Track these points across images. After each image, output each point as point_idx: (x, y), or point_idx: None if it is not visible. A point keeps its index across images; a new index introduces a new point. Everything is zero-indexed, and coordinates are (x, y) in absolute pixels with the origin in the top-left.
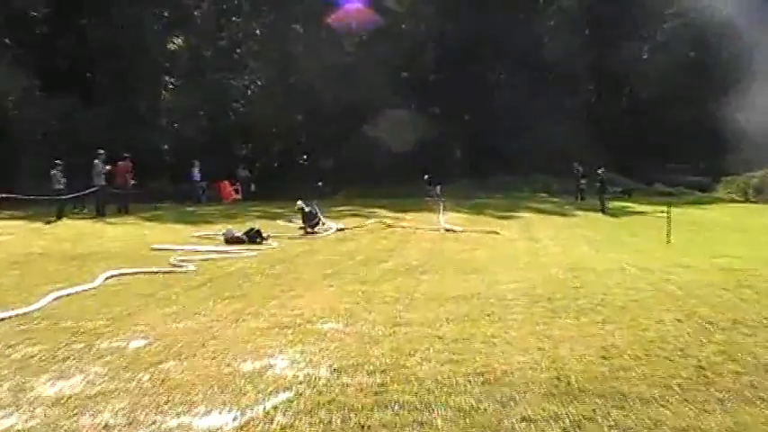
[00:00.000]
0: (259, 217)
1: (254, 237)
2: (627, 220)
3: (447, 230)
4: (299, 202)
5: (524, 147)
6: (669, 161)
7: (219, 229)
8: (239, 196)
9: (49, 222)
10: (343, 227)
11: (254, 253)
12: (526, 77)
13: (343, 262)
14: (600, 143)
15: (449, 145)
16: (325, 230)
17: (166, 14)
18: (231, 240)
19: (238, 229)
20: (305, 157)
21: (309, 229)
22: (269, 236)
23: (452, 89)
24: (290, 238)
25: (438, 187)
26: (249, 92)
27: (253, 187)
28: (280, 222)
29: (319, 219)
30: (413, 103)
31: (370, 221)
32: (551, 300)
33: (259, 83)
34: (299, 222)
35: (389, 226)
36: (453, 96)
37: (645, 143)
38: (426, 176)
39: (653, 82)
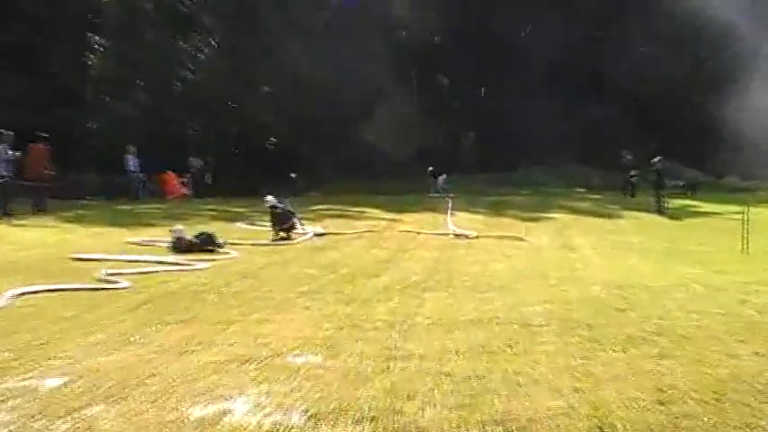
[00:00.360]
0: (214, 218)
1: (205, 243)
2: (691, 224)
3: (457, 236)
4: (269, 199)
5: (557, 130)
6: (741, 149)
7: (161, 233)
8: (188, 191)
9: None
10: (323, 231)
11: (207, 264)
12: (560, 33)
13: (324, 277)
14: (653, 127)
15: (460, 127)
16: (302, 236)
17: None
18: (182, 248)
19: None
20: (273, 140)
21: (283, 234)
22: (225, 242)
23: (464, 54)
24: (253, 245)
25: (441, 178)
26: (201, 56)
27: (208, 179)
28: (240, 225)
29: (294, 221)
30: (413, 70)
31: (358, 228)
32: (591, 326)
33: (214, 44)
34: (268, 225)
35: (384, 230)
36: (465, 63)
37: (713, 128)
38: (431, 169)
39: None
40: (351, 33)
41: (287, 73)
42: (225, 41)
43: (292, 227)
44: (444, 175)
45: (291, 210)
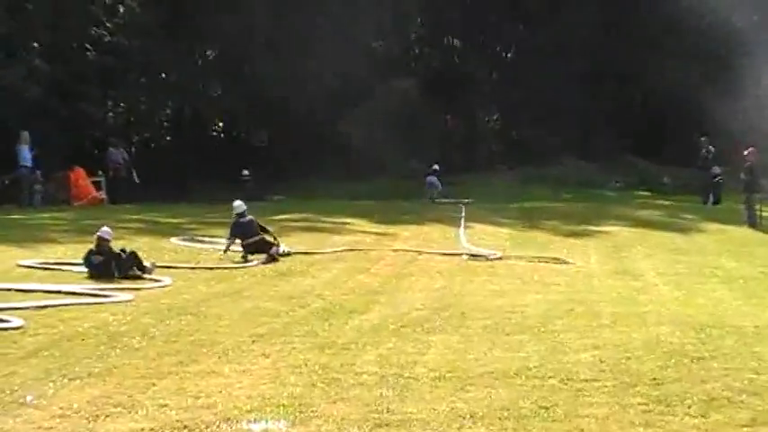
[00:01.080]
0: (139, 232)
1: (124, 265)
2: None
3: (474, 257)
4: (239, 204)
5: (612, 108)
6: None
7: (67, 252)
8: (104, 195)
9: None
10: (288, 250)
11: (130, 296)
12: None
13: (290, 313)
14: (742, 102)
15: (477, 106)
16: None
17: None
18: (102, 268)
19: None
20: (220, 124)
21: (252, 257)
22: (154, 265)
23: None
24: (192, 268)
25: (432, 176)
26: (120, 8)
27: (135, 177)
28: (176, 241)
29: (264, 237)
30: (411, 27)
31: (336, 246)
32: (659, 382)
33: None
34: (218, 242)
35: (373, 248)
36: (484, 13)
37: None
38: (435, 167)
39: None
40: None
41: (242, 32)
42: None
43: (263, 246)
44: (437, 169)
45: (263, 225)
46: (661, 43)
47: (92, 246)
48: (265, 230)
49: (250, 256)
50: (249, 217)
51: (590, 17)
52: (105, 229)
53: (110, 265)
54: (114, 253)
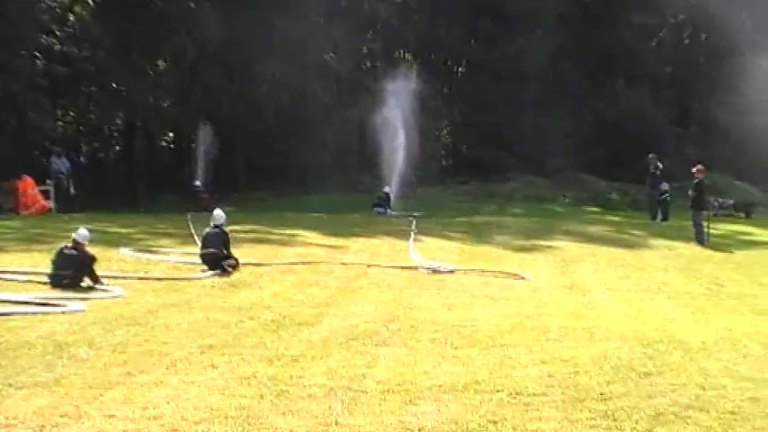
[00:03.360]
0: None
1: (79, 274)
2: (745, 258)
3: (425, 270)
4: (219, 215)
5: (562, 125)
6: None
7: (13, 260)
8: (51, 204)
9: None
10: (234, 262)
11: (82, 306)
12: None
13: (239, 324)
14: (692, 124)
15: (429, 120)
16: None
17: None
18: (60, 278)
19: (45, 264)
20: (169, 135)
21: (229, 269)
22: (98, 279)
23: (436, 17)
24: (140, 278)
25: (378, 206)
26: (71, 17)
27: (72, 188)
28: (124, 252)
29: (216, 252)
30: (364, 41)
31: (286, 258)
32: (606, 397)
33: (90, 1)
34: (170, 253)
35: (323, 261)
36: (437, 30)
37: None
38: (385, 188)
39: None
40: None
41: (194, 45)
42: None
43: (215, 259)
44: (388, 191)
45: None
46: (613, 65)
47: (65, 245)
48: (227, 247)
49: (202, 267)
50: (216, 229)
51: (543, 38)
52: (82, 231)
53: (78, 262)
54: (86, 254)
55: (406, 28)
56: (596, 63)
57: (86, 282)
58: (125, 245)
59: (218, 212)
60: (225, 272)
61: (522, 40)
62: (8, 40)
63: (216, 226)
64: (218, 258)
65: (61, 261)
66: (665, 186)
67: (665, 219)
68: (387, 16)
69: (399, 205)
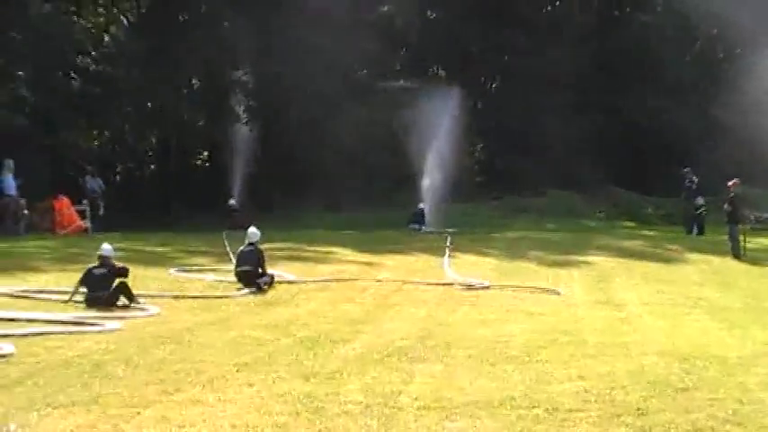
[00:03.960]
0: (123, 260)
1: (113, 296)
2: None
3: (460, 286)
4: (251, 232)
5: (597, 140)
6: None
7: (51, 280)
8: (87, 224)
9: None
10: (269, 279)
11: (118, 324)
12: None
13: (274, 342)
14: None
15: (462, 136)
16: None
17: None
18: (97, 298)
19: (71, 284)
20: (205, 154)
21: (264, 286)
22: (135, 298)
23: (468, 32)
24: (176, 297)
25: (413, 224)
26: (106, 37)
27: (101, 208)
28: (172, 272)
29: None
30: (395, 57)
31: (321, 275)
32: (643, 412)
33: (125, 21)
34: (207, 273)
35: (358, 277)
36: (470, 44)
37: None
38: (420, 206)
39: None
40: (318, 5)
41: (226, 63)
42: (141, 18)
43: (250, 276)
44: (424, 210)
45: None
46: (644, 76)
47: (93, 265)
48: (262, 265)
49: (265, 286)
50: (251, 247)
51: (574, 50)
52: (106, 246)
53: (111, 278)
54: (117, 267)
55: (437, 43)
56: (626, 73)
57: (122, 301)
58: (161, 264)
59: (252, 230)
60: (260, 289)
61: (552, 52)
62: (45, 59)
63: (251, 243)
64: (253, 276)
65: (92, 282)
66: (700, 201)
67: (700, 233)
68: (418, 31)
69: (434, 222)
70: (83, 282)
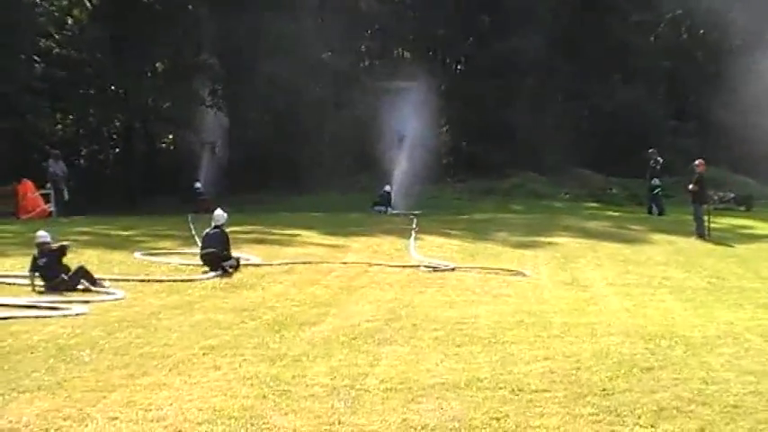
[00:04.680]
0: (88, 244)
1: (72, 280)
2: (746, 252)
3: (426, 268)
4: (217, 215)
5: (562, 121)
6: None
7: (16, 265)
8: (51, 208)
9: None
10: (236, 262)
11: (84, 309)
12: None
13: (240, 325)
14: (691, 119)
15: (429, 119)
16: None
17: None
18: (56, 285)
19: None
20: (169, 137)
21: (230, 270)
22: (98, 281)
23: (432, 13)
24: (142, 280)
25: (378, 206)
26: (69, 20)
27: (66, 193)
28: (137, 256)
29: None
30: (360, 38)
31: (287, 258)
32: (608, 392)
33: (88, 4)
34: (173, 256)
35: (324, 260)
36: (433, 26)
37: None
38: (386, 188)
39: None
40: None
41: (191, 46)
42: (104, 1)
43: (214, 259)
44: (387, 188)
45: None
46: (609, 60)
47: (34, 253)
48: (227, 247)
49: (204, 269)
50: (217, 230)
51: (539, 35)
52: (40, 233)
53: (53, 266)
54: (55, 249)
55: (402, 26)
56: (592, 58)
57: (84, 284)
58: (126, 248)
59: (218, 213)
60: (226, 273)
61: (518, 36)
62: (6, 43)
63: (216, 226)
64: (218, 258)
65: (43, 271)
66: (655, 182)
67: (660, 213)
68: (383, 14)
69: (399, 204)
70: (34, 270)
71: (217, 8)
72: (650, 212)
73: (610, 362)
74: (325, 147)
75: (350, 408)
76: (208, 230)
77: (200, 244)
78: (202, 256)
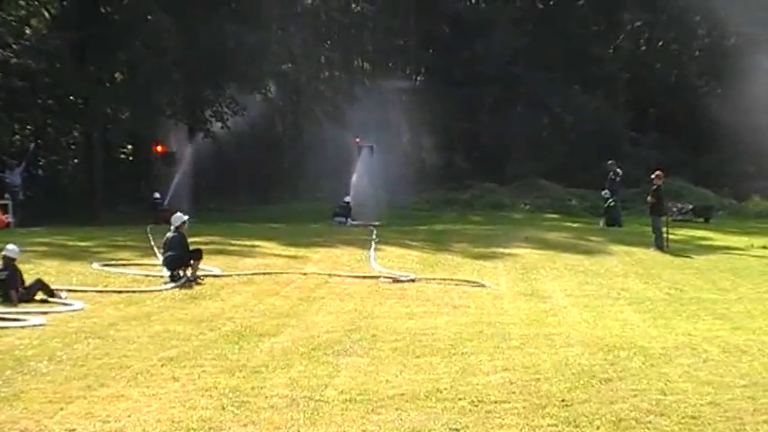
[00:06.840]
0: (46, 255)
1: (29, 292)
2: (704, 263)
3: (386, 279)
4: (175, 217)
5: (520, 136)
6: None
7: None
8: (10, 219)
9: None
10: (192, 275)
11: (42, 320)
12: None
13: (199, 336)
14: (652, 129)
15: (390, 129)
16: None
17: None
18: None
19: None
20: (128, 147)
21: (192, 279)
22: (56, 292)
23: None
24: (100, 291)
25: (338, 216)
26: (27, 30)
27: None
28: (95, 267)
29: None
30: (320, 47)
31: (246, 269)
32: (567, 403)
33: (46, 14)
34: (131, 267)
35: (283, 271)
36: (394, 41)
37: (730, 134)
38: (345, 198)
39: None
40: None
41: (152, 56)
42: (63, 11)
43: (174, 263)
44: (347, 198)
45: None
46: (569, 70)
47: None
48: (187, 250)
49: (164, 279)
50: (176, 232)
51: (500, 47)
52: (11, 246)
53: (14, 280)
54: (18, 270)
55: (363, 36)
56: (552, 68)
57: (41, 296)
58: (84, 258)
59: (177, 215)
60: (188, 282)
61: (479, 46)
62: None
63: (176, 228)
64: (180, 260)
65: (5, 284)
66: (606, 194)
67: (613, 224)
68: (344, 25)
69: (359, 215)
70: None
71: (178, 18)
72: (605, 222)
73: (569, 373)
74: (285, 157)
75: (309, 419)
76: (168, 234)
77: (159, 255)
78: (164, 260)
